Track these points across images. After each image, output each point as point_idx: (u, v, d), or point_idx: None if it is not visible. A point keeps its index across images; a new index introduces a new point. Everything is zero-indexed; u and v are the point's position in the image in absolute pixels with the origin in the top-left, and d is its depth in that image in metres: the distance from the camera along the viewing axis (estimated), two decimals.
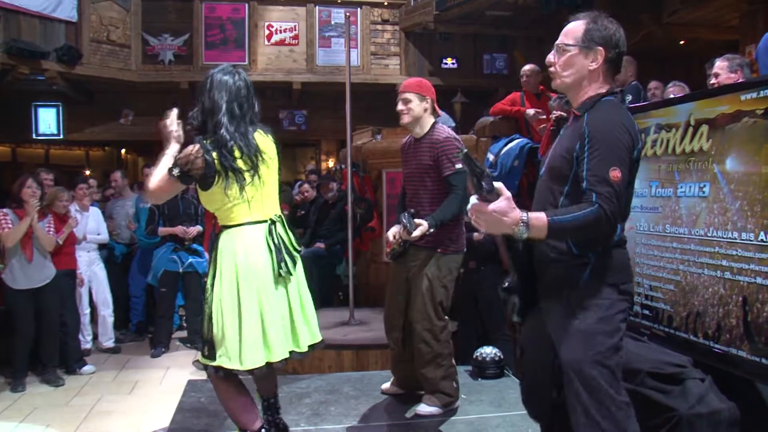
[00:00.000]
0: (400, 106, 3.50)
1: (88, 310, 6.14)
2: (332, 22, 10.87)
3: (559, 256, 2.10)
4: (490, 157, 5.28)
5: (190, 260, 6.13)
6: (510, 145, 5.14)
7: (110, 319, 6.29)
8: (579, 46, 2.12)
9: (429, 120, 3.52)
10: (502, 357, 4.12)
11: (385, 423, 3.46)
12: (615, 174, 1.95)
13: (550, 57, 2.20)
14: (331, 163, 12.35)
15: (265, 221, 2.71)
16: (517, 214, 1.89)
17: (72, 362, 5.56)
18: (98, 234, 6.21)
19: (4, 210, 5.14)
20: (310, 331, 2.82)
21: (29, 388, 5.16)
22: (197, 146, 2.60)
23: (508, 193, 1.91)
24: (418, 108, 3.47)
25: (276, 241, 2.67)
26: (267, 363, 2.65)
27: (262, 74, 10.61)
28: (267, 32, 10.90)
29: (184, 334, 6.65)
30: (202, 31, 10.78)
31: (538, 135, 5.41)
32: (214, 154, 2.58)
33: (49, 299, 5.27)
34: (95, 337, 6.28)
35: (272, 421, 2.95)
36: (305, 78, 10.85)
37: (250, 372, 2.67)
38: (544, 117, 5.40)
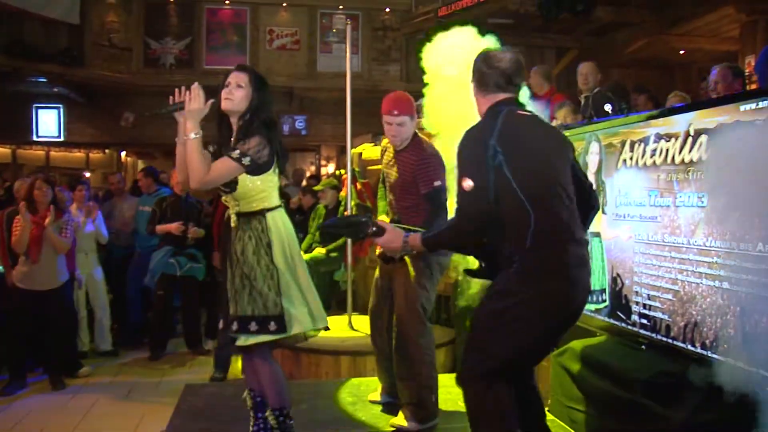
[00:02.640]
0: (393, 130, 3.40)
1: (84, 313, 6.12)
2: (333, 28, 10.90)
3: (502, 254, 2.41)
4: None
5: (188, 265, 6.12)
6: None
7: (107, 322, 6.27)
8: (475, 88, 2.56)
9: (412, 135, 3.46)
10: None
11: (383, 431, 3.45)
12: (466, 185, 2.31)
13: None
14: (331, 169, 12.36)
15: (281, 205, 2.95)
16: (399, 240, 2.50)
17: (69, 365, 5.55)
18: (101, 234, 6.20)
19: (18, 216, 5.09)
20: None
21: (25, 391, 5.14)
22: (258, 138, 2.74)
23: (388, 226, 2.57)
24: (409, 130, 3.42)
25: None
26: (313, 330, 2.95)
27: None
28: (268, 37, 10.94)
29: (181, 338, 6.63)
30: (204, 35, 10.80)
31: None
32: (274, 144, 2.81)
33: (57, 303, 5.25)
34: (92, 340, 6.26)
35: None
36: (306, 83, 10.87)
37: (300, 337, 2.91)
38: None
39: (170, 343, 6.47)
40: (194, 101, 2.69)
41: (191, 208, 6.19)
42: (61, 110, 10.93)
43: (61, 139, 11.11)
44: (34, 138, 11.05)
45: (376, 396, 3.81)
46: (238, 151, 2.69)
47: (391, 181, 3.57)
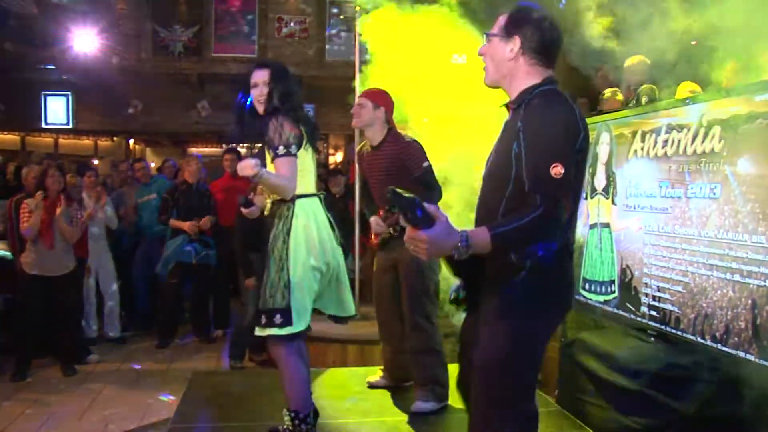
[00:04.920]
0: (354, 110, 3.61)
1: (94, 300, 6.15)
2: (342, 16, 10.83)
3: (500, 260, 1.96)
4: None
5: (204, 252, 6.14)
6: None
7: (116, 309, 6.30)
8: (500, 35, 2.05)
9: (382, 128, 3.58)
10: None
11: (389, 418, 3.45)
12: (557, 170, 1.81)
13: (482, 48, 2.11)
14: (339, 158, 12.34)
15: (318, 195, 2.98)
16: (456, 236, 1.77)
17: (78, 351, 5.57)
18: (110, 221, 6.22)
19: (26, 201, 5.11)
20: (350, 299, 3.12)
21: (34, 377, 5.17)
22: (288, 121, 2.80)
23: (443, 216, 1.78)
24: (369, 115, 3.55)
25: (329, 214, 3.00)
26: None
27: None
28: (277, 25, 10.88)
29: (189, 326, 6.65)
30: (213, 23, 10.77)
31: None
32: (298, 121, 2.85)
33: (68, 289, 5.27)
34: (101, 327, 6.29)
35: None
36: (314, 72, 10.82)
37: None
38: None
39: (178, 330, 6.50)
40: (245, 170, 2.67)
41: (202, 195, 6.20)
42: (70, 98, 10.93)
43: (70, 126, 11.13)
44: (43, 125, 11.07)
45: (375, 378, 3.87)
46: (282, 147, 2.76)
47: (374, 178, 3.64)
